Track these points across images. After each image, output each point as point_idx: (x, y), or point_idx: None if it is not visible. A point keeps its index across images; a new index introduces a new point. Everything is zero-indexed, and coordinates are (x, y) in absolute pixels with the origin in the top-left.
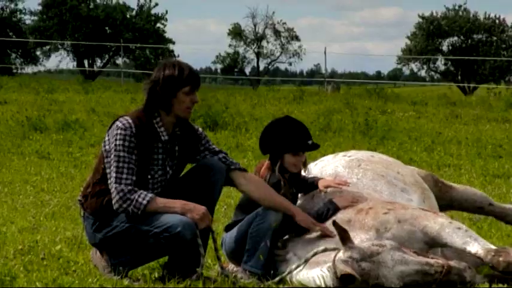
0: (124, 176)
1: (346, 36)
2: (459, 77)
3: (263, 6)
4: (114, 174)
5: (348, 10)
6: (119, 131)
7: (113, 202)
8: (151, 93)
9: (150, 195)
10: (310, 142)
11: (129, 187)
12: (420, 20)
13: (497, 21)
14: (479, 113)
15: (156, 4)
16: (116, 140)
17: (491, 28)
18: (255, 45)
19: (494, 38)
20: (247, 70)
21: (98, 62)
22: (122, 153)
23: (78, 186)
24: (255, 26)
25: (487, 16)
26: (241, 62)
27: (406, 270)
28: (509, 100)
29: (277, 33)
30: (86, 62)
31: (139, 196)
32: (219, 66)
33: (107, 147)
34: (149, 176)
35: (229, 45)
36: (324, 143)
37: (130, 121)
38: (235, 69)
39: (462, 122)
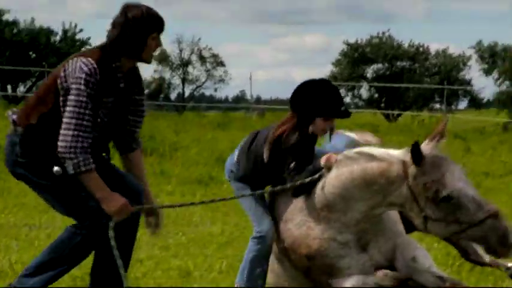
0: (81, 133)
1: (271, 62)
2: (383, 104)
3: (189, 32)
4: (72, 127)
5: (273, 37)
6: (83, 76)
7: (59, 145)
8: (120, 37)
9: (91, 166)
10: (343, 108)
11: (82, 144)
12: (345, 46)
13: (420, 48)
14: (403, 140)
15: (81, 30)
16: (79, 84)
17: (415, 55)
18: (180, 71)
19: (418, 66)
20: (173, 96)
21: (22, 87)
22: (82, 104)
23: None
24: (180, 51)
25: (411, 44)
26: (167, 87)
27: None
28: (432, 128)
29: (202, 59)
30: (9, 87)
31: (83, 160)
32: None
33: (64, 84)
34: (98, 119)
35: (155, 71)
36: None
37: (95, 66)
38: (161, 95)
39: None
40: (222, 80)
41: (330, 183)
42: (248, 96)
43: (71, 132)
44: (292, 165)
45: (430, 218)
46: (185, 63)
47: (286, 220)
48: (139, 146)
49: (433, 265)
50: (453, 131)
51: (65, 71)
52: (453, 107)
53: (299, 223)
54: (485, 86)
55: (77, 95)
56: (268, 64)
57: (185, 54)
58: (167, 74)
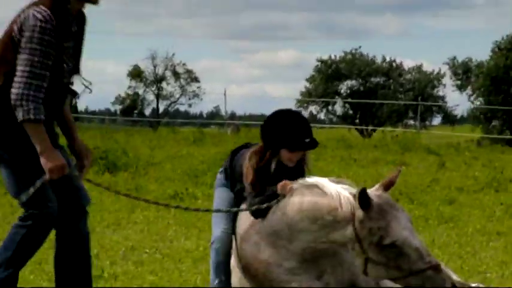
0: (34, 81)
1: (245, 78)
2: (357, 120)
3: (163, 48)
4: (26, 75)
5: (247, 53)
6: (38, 23)
7: (11, 92)
8: None
9: (40, 117)
10: (307, 140)
11: (34, 93)
12: (318, 63)
13: (394, 64)
14: (377, 156)
15: None
16: (33, 31)
17: (389, 72)
18: (154, 87)
19: (392, 82)
20: (147, 111)
21: None
22: (37, 52)
23: None
24: (154, 67)
25: (384, 60)
26: (141, 103)
27: None
28: (406, 143)
29: (176, 74)
30: None
31: (34, 109)
32: (118, 107)
33: (20, 38)
34: (65, 65)
35: (129, 87)
36: None
37: (49, 13)
38: (135, 111)
39: (360, 165)
40: (196, 96)
41: (281, 210)
42: (223, 112)
43: (24, 80)
44: (249, 188)
45: (372, 260)
46: (159, 79)
47: (243, 239)
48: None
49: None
50: (428, 147)
51: (18, 23)
52: (427, 123)
53: (252, 244)
54: (459, 102)
55: (31, 42)
56: (242, 80)
57: (159, 70)
58: (141, 90)
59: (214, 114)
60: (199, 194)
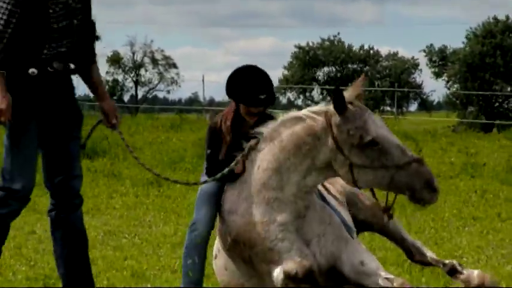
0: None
1: (223, 65)
2: None
3: (142, 34)
4: None
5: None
6: None
7: None
8: None
9: None
10: (262, 97)
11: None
12: (296, 50)
13: (371, 51)
14: None
15: None
16: None
17: (366, 59)
18: (133, 73)
19: (369, 69)
20: (126, 98)
21: None
22: None
23: None
24: (133, 54)
25: (361, 47)
26: (120, 89)
27: None
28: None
29: (155, 61)
30: None
31: None
32: None
33: None
34: (51, 11)
35: (107, 72)
36: (202, 170)
37: None
38: (114, 97)
39: None
40: (174, 82)
41: (265, 159)
42: (201, 99)
43: None
44: (208, 152)
45: (356, 165)
46: (138, 66)
47: (230, 212)
48: (96, 57)
49: (381, 268)
50: (405, 133)
51: None
52: (404, 109)
53: (242, 213)
54: (436, 88)
55: None
56: (221, 67)
57: (138, 57)
58: (120, 77)
59: (192, 101)
60: (178, 179)
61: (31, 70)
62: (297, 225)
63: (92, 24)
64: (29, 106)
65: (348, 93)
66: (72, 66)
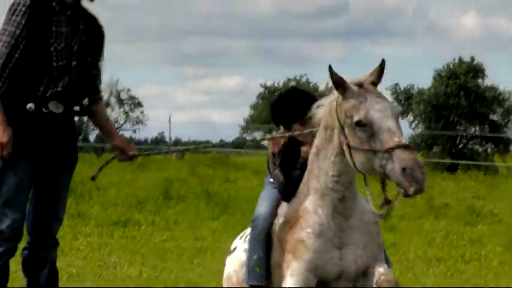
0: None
1: (189, 104)
2: None
3: (107, 73)
4: None
5: (190, 79)
6: (12, 4)
7: None
8: None
9: None
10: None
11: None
12: (262, 89)
13: None
14: None
15: None
16: (7, 12)
17: None
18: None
19: None
20: (92, 137)
21: None
22: (6, 26)
23: None
24: None
25: (327, 86)
26: (86, 129)
27: None
28: None
29: (121, 101)
30: None
31: None
32: None
33: None
34: (52, 49)
35: None
36: (167, 211)
37: None
38: (79, 137)
39: None
40: (140, 122)
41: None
42: (167, 139)
43: None
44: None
45: (352, 147)
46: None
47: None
48: (102, 97)
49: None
50: None
51: None
52: None
53: (297, 198)
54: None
55: (3, 23)
56: (186, 106)
57: (104, 96)
58: (85, 118)
59: (158, 140)
60: (143, 220)
61: (29, 105)
62: (339, 224)
63: (96, 65)
64: (24, 142)
65: (364, 78)
66: (74, 108)
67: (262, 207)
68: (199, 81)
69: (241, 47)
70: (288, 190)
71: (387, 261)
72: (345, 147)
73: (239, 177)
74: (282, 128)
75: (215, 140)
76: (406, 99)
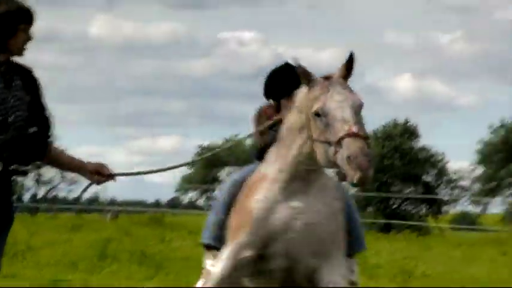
0: None
1: (125, 164)
2: None
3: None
4: None
5: (126, 139)
6: None
7: None
8: None
9: None
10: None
11: None
12: (199, 149)
13: None
14: None
15: None
16: None
17: None
18: (34, 173)
19: None
20: (26, 197)
21: None
22: None
23: None
24: None
25: None
26: (20, 189)
27: None
28: None
29: None
30: None
31: None
32: None
33: None
34: None
35: None
36: (101, 271)
37: None
38: (14, 196)
39: None
40: (75, 182)
41: (287, 120)
42: (102, 198)
43: None
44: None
45: (314, 139)
46: (39, 165)
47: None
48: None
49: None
50: None
51: None
52: None
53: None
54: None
55: None
56: (122, 166)
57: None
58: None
59: (93, 200)
60: (77, 279)
61: None
62: (296, 199)
63: (38, 119)
64: None
65: (336, 72)
66: (13, 166)
67: (236, 175)
68: (135, 141)
69: (178, 107)
70: (263, 153)
71: (358, 246)
72: (310, 141)
73: (174, 237)
74: (271, 101)
75: (150, 199)
76: None
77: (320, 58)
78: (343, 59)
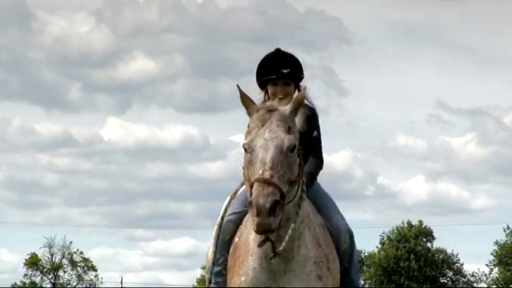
0: None
1: (140, 266)
2: None
3: (60, 236)
4: None
5: (142, 241)
6: None
7: None
8: None
9: None
10: (285, 71)
11: None
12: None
13: None
14: None
15: None
16: None
17: None
18: (51, 275)
19: None
20: None
21: None
22: None
23: None
24: (52, 255)
25: None
26: None
27: None
28: None
29: (73, 263)
30: None
31: None
32: None
33: None
34: None
35: (25, 275)
36: None
37: None
38: None
39: None
40: (93, 284)
41: None
42: None
43: None
44: None
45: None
46: (56, 267)
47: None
48: None
49: None
50: None
51: None
52: None
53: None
54: None
55: None
56: (137, 268)
57: (56, 258)
58: (37, 278)
59: None
60: None
61: None
62: (277, 267)
63: None
64: None
65: (287, 105)
66: None
67: (231, 216)
68: (149, 243)
69: (191, 209)
70: None
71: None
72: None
73: None
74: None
75: None
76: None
77: (332, 161)
78: (355, 161)
